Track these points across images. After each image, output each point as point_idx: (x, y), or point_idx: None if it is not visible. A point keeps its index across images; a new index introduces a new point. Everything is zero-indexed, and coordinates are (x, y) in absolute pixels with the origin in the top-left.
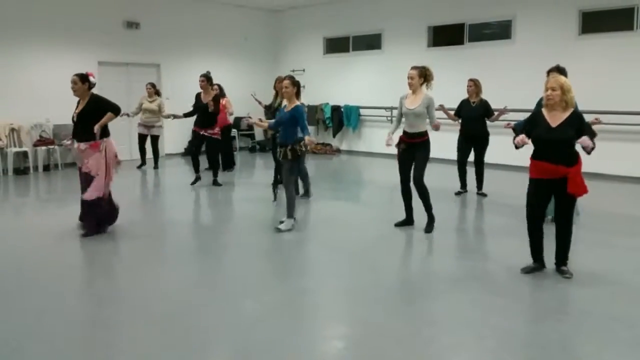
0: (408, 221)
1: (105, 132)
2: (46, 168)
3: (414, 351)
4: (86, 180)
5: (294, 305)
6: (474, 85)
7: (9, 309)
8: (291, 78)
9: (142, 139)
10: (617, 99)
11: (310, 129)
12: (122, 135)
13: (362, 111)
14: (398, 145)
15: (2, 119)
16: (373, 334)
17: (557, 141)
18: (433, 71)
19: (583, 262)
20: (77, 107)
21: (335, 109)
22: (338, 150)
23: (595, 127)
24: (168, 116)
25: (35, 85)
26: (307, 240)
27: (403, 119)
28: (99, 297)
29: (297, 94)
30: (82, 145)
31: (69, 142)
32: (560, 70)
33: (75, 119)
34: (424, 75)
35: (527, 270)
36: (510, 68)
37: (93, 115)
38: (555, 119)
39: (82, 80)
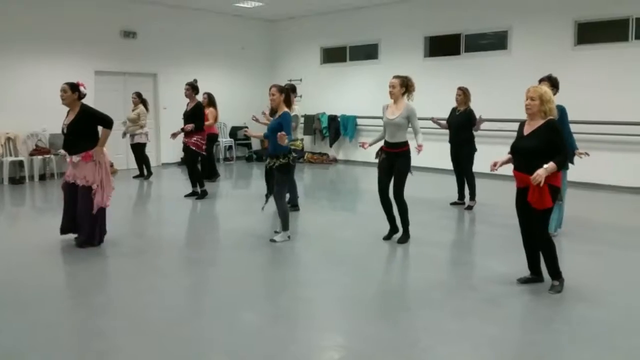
0: (393, 230)
1: (95, 142)
2: (42, 177)
3: None
4: (84, 194)
5: (290, 315)
6: (463, 94)
7: (5, 319)
8: (278, 86)
9: (132, 148)
10: (613, 109)
11: (307, 138)
12: (119, 144)
13: (359, 121)
14: (379, 155)
15: None
16: (370, 344)
17: (521, 149)
18: (415, 82)
19: (580, 272)
20: (67, 117)
21: (332, 119)
22: (335, 160)
23: (587, 138)
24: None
25: (32, 94)
26: (303, 251)
27: None
28: (95, 307)
29: (287, 102)
30: (75, 158)
31: (64, 152)
32: (552, 80)
33: (65, 131)
34: (405, 85)
35: (522, 281)
36: (506, 78)
37: (83, 127)
38: (529, 128)
39: (72, 89)
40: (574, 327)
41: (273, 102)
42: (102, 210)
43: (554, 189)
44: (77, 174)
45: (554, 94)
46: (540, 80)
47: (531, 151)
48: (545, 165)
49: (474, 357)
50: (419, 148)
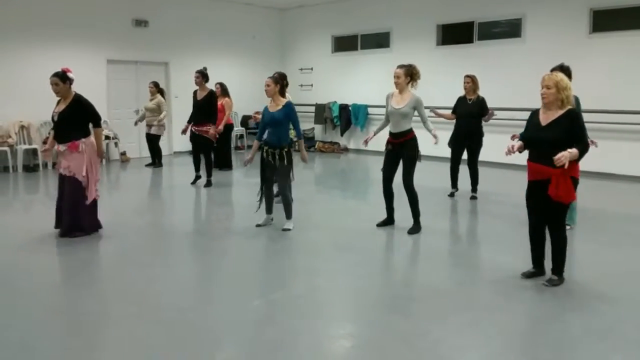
0: (389, 221)
1: (85, 132)
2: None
3: (421, 351)
4: (70, 183)
5: (300, 304)
6: (472, 82)
7: (16, 306)
8: (273, 77)
9: (146, 137)
10: (628, 98)
11: (318, 127)
12: (131, 133)
13: (370, 110)
14: (386, 146)
15: (12, 116)
16: (380, 334)
17: (542, 140)
18: (420, 70)
19: (593, 263)
20: (58, 105)
21: (343, 108)
22: (346, 149)
23: (602, 127)
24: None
25: (45, 82)
26: (314, 240)
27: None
28: (105, 295)
29: (282, 92)
30: (61, 147)
31: (48, 146)
32: (563, 69)
33: (55, 119)
34: (410, 74)
35: (527, 275)
36: (520, 67)
37: (74, 116)
38: (547, 117)
39: (63, 80)
40: (586, 319)
41: (268, 92)
42: (81, 204)
43: (574, 181)
44: (62, 163)
45: None
46: (552, 70)
47: (552, 142)
48: (569, 150)
49: (485, 348)
50: (435, 138)
